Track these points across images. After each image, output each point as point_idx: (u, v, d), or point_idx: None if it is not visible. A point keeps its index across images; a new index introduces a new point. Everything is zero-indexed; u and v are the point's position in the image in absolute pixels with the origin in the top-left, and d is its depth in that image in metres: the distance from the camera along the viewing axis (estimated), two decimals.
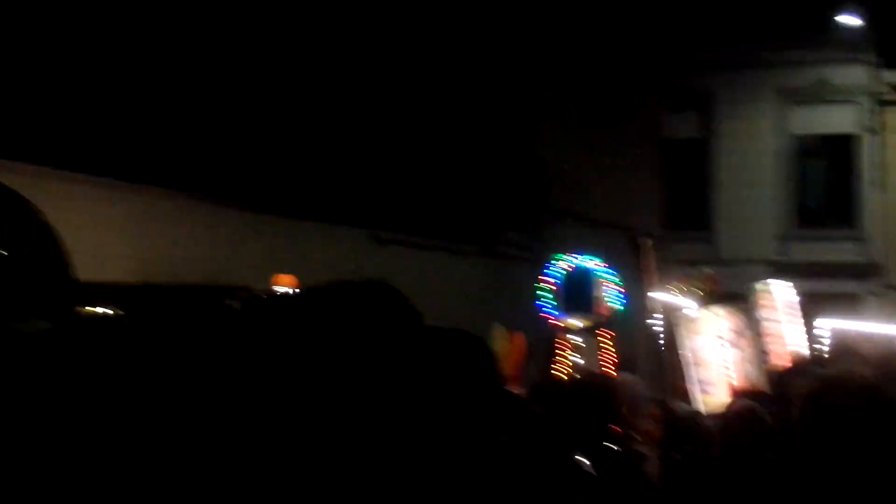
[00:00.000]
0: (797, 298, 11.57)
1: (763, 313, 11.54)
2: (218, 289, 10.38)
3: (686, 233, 29.76)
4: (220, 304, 3.07)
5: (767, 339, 11.30)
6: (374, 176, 15.69)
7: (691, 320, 11.31)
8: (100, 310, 3.44)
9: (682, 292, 14.88)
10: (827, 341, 13.29)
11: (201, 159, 12.67)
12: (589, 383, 6.93)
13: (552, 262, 11.76)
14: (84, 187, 10.61)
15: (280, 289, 10.25)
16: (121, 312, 3.43)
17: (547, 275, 11.74)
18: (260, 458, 2.58)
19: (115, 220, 11.02)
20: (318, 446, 2.67)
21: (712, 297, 15.16)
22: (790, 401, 5.86)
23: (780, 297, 11.71)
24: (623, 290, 11.25)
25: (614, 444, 6.37)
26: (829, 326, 12.95)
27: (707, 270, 14.81)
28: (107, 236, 10.77)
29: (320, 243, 13.98)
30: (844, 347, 11.47)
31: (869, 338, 11.42)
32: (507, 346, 12.43)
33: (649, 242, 10.06)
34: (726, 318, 11.14)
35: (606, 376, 8.98)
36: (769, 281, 11.83)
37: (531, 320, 17.77)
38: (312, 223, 13.98)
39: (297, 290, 3.24)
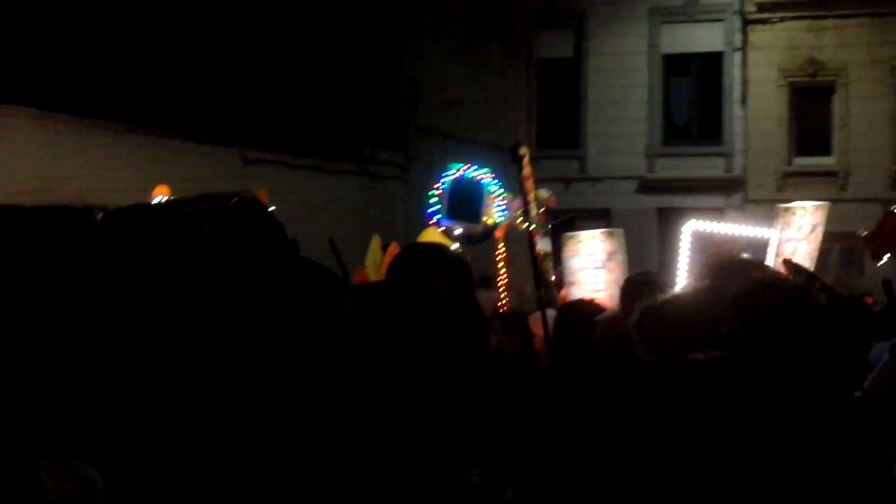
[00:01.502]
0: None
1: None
2: (84, 210, 10.34)
3: (557, 150, 30.06)
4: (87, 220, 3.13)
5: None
6: (243, 94, 15.61)
7: (571, 240, 11.52)
8: None
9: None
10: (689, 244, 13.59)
11: (65, 75, 12.52)
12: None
13: (447, 168, 11.84)
14: None
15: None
16: None
17: (438, 182, 11.83)
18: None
19: None
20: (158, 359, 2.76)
21: (550, 216, 15.41)
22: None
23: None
24: (505, 203, 11.39)
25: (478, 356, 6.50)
26: (689, 230, 13.15)
27: (545, 192, 15.05)
28: None
29: (188, 162, 13.93)
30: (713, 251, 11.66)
31: (732, 239, 11.62)
32: (380, 255, 12.57)
33: (526, 150, 10.16)
34: (602, 240, 11.37)
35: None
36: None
37: (404, 237, 17.93)
38: (180, 141, 13.90)
39: (158, 203, 3.29)
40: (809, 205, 10.19)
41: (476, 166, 11.73)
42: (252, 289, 2.79)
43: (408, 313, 3.65)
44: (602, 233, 11.39)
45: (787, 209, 10.60)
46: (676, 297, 5.02)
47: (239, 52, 16.11)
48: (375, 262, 12.42)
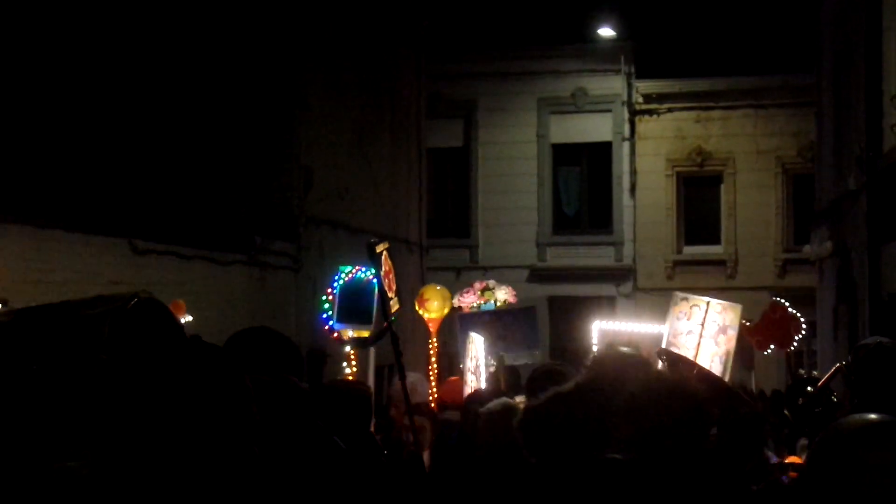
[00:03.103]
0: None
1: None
2: None
3: (448, 240, 30.14)
4: None
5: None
6: (131, 183, 15.35)
7: (472, 342, 11.49)
8: None
9: (474, 303, 15.11)
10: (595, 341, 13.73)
11: None
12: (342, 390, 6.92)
13: (338, 272, 11.72)
14: None
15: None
16: None
17: (329, 285, 11.70)
18: None
19: None
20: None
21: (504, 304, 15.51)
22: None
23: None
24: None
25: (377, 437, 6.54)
26: (597, 328, 13.26)
27: (503, 293, 15.17)
28: None
29: (76, 253, 13.60)
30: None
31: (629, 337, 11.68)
32: None
33: (384, 246, 9.98)
34: (495, 361, 11.34)
35: (359, 384, 8.97)
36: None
37: (294, 328, 17.68)
38: (67, 232, 13.56)
39: (51, 306, 3.12)
40: (716, 303, 10.06)
41: (365, 268, 11.63)
42: (155, 393, 2.69)
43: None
44: (498, 357, 11.33)
45: (685, 298, 10.50)
46: (559, 396, 4.85)
47: (127, 139, 15.87)
48: None
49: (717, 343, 9.83)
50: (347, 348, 11.83)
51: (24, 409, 2.66)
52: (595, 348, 10.14)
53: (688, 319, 10.32)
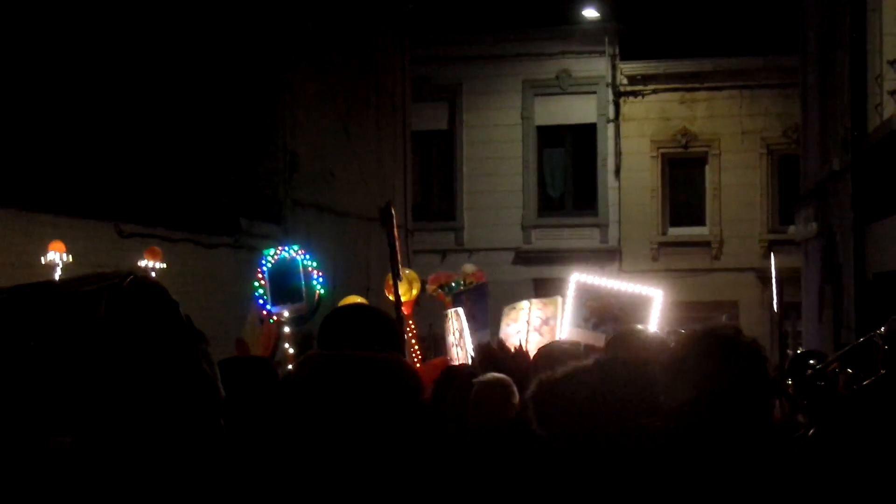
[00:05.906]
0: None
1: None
2: None
3: (433, 223, 30.14)
4: None
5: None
6: (117, 167, 15.32)
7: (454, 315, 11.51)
8: None
9: (443, 287, 15.07)
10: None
11: None
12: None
13: (263, 255, 11.84)
14: None
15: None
16: None
17: (258, 267, 11.80)
18: None
19: None
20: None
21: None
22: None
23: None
24: (322, 275, 11.44)
25: None
26: (574, 281, 13.22)
27: (471, 267, 15.18)
28: None
29: (62, 236, 13.56)
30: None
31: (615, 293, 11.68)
32: (257, 330, 12.39)
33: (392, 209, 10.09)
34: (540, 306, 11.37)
35: None
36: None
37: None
38: (53, 216, 13.54)
39: (47, 283, 3.11)
40: (538, 301, 10.49)
41: (287, 246, 11.76)
42: (150, 371, 2.70)
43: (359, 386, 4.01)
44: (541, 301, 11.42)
45: (512, 307, 10.95)
46: (576, 373, 4.87)
47: (112, 124, 15.83)
48: (254, 333, 12.26)
49: (540, 333, 10.18)
50: (287, 329, 11.92)
51: (21, 384, 2.65)
52: (571, 299, 10.12)
53: (515, 323, 10.69)
